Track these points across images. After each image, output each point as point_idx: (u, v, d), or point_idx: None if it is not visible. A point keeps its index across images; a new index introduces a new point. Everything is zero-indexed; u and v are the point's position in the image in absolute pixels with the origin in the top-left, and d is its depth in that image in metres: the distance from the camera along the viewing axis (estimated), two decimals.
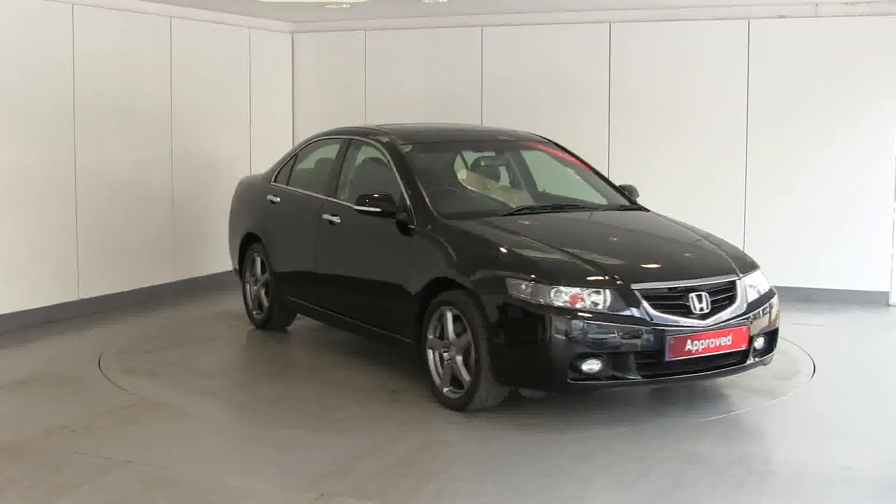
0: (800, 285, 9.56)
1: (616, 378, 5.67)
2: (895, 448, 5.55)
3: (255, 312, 8.30)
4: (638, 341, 5.63)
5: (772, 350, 6.34)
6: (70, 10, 8.57)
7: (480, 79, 10.51)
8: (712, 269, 6.12)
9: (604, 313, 5.63)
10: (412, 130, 7.62)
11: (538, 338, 5.62)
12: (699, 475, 5.07)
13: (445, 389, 6.08)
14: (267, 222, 8.11)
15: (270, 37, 11.08)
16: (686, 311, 5.78)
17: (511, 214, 6.71)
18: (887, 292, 9.35)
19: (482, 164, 7.53)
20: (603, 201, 7.24)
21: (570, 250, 6.06)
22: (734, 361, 6.03)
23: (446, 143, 7.61)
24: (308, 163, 8.11)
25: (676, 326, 5.70)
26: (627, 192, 7.37)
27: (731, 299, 5.99)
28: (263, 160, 11.00)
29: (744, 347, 5.98)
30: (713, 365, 5.94)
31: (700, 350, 5.77)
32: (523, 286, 5.71)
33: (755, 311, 6.08)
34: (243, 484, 4.95)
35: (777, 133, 9.56)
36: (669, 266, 6.13)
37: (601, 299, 5.66)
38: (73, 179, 8.65)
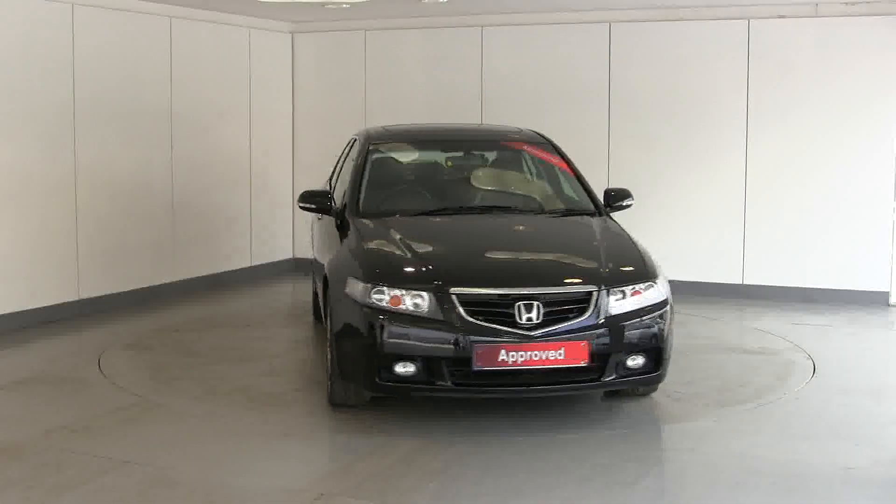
0: (800, 285, 9.56)
1: (430, 383, 5.57)
2: (895, 448, 5.55)
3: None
4: (449, 347, 5.49)
5: (657, 370, 5.84)
6: (70, 10, 8.57)
7: (480, 79, 10.51)
8: (560, 279, 5.83)
9: (420, 316, 5.54)
10: (398, 130, 7.74)
11: (356, 336, 5.69)
12: (699, 475, 5.07)
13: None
14: None
15: (270, 37, 11.07)
16: (511, 321, 5.53)
17: (425, 214, 6.71)
18: (887, 292, 9.35)
19: (449, 164, 7.56)
20: (559, 205, 7.01)
21: (423, 251, 6.05)
22: (584, 379, 5.65)
23: (425, 142, 7.70)
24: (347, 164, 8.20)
25: (489, 335, 5.46)
26: (612, 197, 7.03)
27: (581, 311, 5.62)
28: (263, 160, 11.02)
29: (583, 363, 5.54)
30: (552, 380, 5.62)
31: (519, 362, 5.46)
32: (353, 284, 5.78)
33: (617, 325, 5.64)
34: (243, 484, 4.95)
35: (777, 133, 9.57)
36: (509, 274, 5.90)
37: (423, 303, 5.56)
38: (73, 179, 8.66)
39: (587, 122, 10.09)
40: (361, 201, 6.75)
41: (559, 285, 5.75)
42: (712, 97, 9.75)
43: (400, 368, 5.55)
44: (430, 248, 6.19)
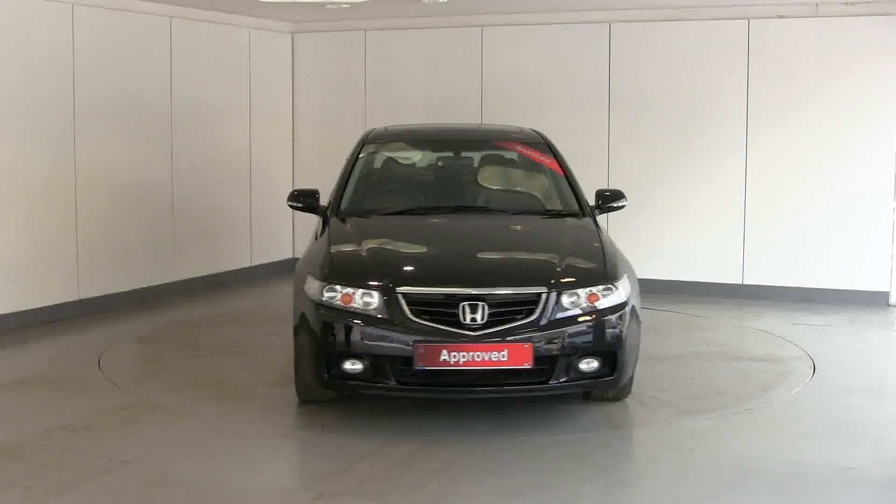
0: (800, 285, 9.56)
1: (376, 381, 5.59)
2: (895, 448, 5.55)
3: None
4: (393, 346, 5.50)
5: (612, 374, 5.71)
6: (70, 10, 8.57)
7: (480, 79, 10.51)
8: (509, 281, 5.74)
9: (368, 315, 5.56)
10: (396, 130, 7.75)
11: (309, 333, 5.76)
12: (699, 475, 5.07)
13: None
14: None
15: (270, 37, 11.08)
16: (456, 321, 5.50)
17: (402, 214, 6.76)
18: (887, 292, 9.35)
19: (440, 164, 7.58)
20: (541, 206, 6.93)
21: (381, 251, 6.14)
22: (531, 381, 5.59)
23: (418, 142, 7.72)
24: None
25: (431, 335, 5.45)
26: (604, 198, 6.93)
27: (529, 313, 5.56)
28: (263, 160, 11.02)
29: (527, 366, 5.49)
30: (498, 381, 5.57)
31: (461, 362, 5.43)
32: (310, 281, 5.86)
33: (567, 328, 5.57)
34: (243, 484, 4.95)
35: (777, 133, 9.57)
36: (457, 274, 5.84)
37: (372, 301, 5.59)
38: (73, 179, 8.66)
39: (587, 122, 10.09)
40: (343, 200, 6.83)
41: (507, 286, 5.67)
42: (712, 97, 9.75)
43: (348, 366, 5.59)
44: (390, 248, 6.27)
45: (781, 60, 9.52)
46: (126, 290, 9.26)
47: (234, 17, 10.43)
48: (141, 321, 8.64)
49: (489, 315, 5.51)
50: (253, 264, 10.92)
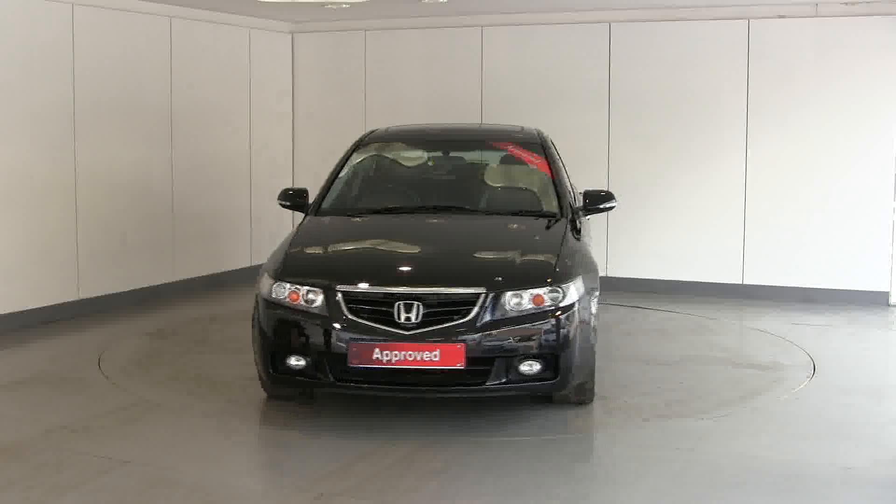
0: (800, 285, 9.56)
1: (317, 378, 5.67)
2: (895, 448, 5.55)
3: None
4: (331, 343, 5.57)
5: (554, 378, 5.62)
6: (70, 10, 8.57)
7: (480, 79, 10.51)
8: (448, 281, 5.71)
9: (310, 312, 5.65)
10: (396, 131, 7.80)
11: (259, 329, 5.90)
12: (699, 475, 5.07)
13: None
14: None
15: (270, 37, 11.08)
16: (392, 320, 5.53)
17: (378, 213, 6.82)
18: (887, 292, 9.35)
19: (430, 164, 7.58)
20: (518, 206, 6.81)
21: (334, 249, 6.24)
22: (466, 382, 5.58)
23: (412, 142, 7.74)
24: None
25: (365, 333, 5.51)
26: (590, 199, 6.82)
27: (466, 313, 5.54)
28: (263, 160, 11.02)
29: (460, 366, 5.47)
30: (433, 381, 5.59)
31: (393, 361, 5.47)
32: (264, 279, 5.98)
33: (505, 329, 5.53)
34: (243, 484, 4.95)
35: (777, 133, 9.57)
36: (397, 273, 5.86)
37: (316, 299, 5.67)
38: (73, 179, 8.66)
39: (587, 122, 10.09)
40: (326, 200, 6.94)
41: (444, 286, 5.65)
42: (712, 97, 9.75)
43: (293, 362, 5.69)
44: (344, 247, 6.35)
45: (781, 60, 9.52)
46: (126, 290, 9.25)
47: (234, 17, 10.43)
48: (141, 321, 8.63)
49: (426, 315, 5.52)
50: (253, 264, 10.90)
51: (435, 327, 5.50)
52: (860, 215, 9.33)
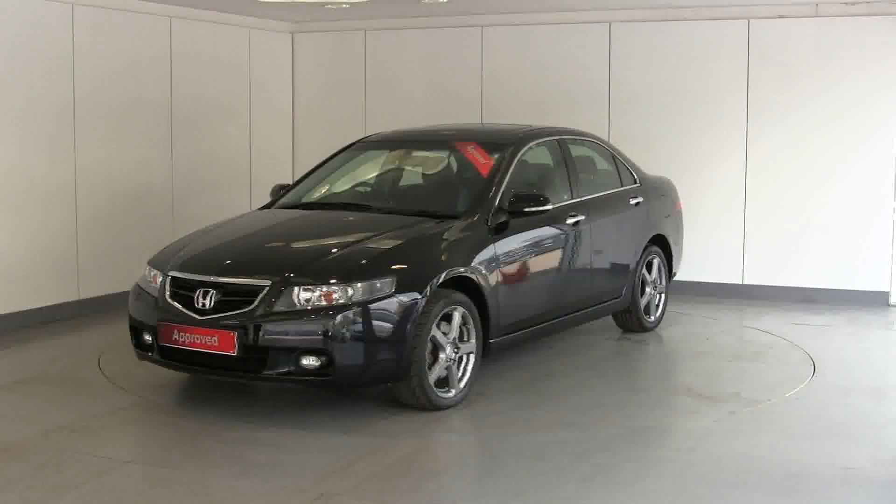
0: (800, 285, 9.56)
1: (149, 353, 6.19)
2: (895, 448, 5.55)
3: None
4: (152, 323, 6.08)
5: (330, 375, 5.68)
6: (70, 10, 8.57)
7: (480, 79, 10.51)
8: (244, 272, 5.94)
9: (150, 295, 6.24)
10: (387, 134, 8.01)
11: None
12: (699, 475, 5.07)
13: None
14: None
15: (270, 37, 11.08)
16: (191, 305, 5.93)
17: (310, 208, 7.10)
18: (887, 292, 9.35)
19: (396, 163, 7.65)
20: (428, 207, 6.70)
21: (205, 238, 6.62)
22: (244, 369, 5.79)
23: (398, 142, 7.84)
24: None
25: (171, 315, 5.99)
26: (516, 201, 6.55)
27: (251, 304, 5.75)
28: (263, 160, 11.02)
29: (233, 353, 5.71)
30: (218, 364, 5.86)
31: (186, 343, 5.89)
32: (147, 266, 6.54)
33: (283, 322, 5.66)
34: (243, 484, 4.95)
35: (777, 133, 9.57)
36: (211, 263, 6.14)
37: (158, 282, 6.24)
38: (72, 179, 8.66)
39: (587, 122, 10.06)
40: (289, 194, 7.37)
41: (237, 277, 5.94)
42: (712, 97, 9.75)
43: (145, 337, 6.19)
44: (226, 237, 6.62)
45: (781, 60, 9.52)
46: (126, 290, 9.16)
47: (234, 17, 10.42)
48: None
49: (220, 303, 5.85)
50: None
51: (220, 315, 5.81)
52: (860, 215, 9.33)
